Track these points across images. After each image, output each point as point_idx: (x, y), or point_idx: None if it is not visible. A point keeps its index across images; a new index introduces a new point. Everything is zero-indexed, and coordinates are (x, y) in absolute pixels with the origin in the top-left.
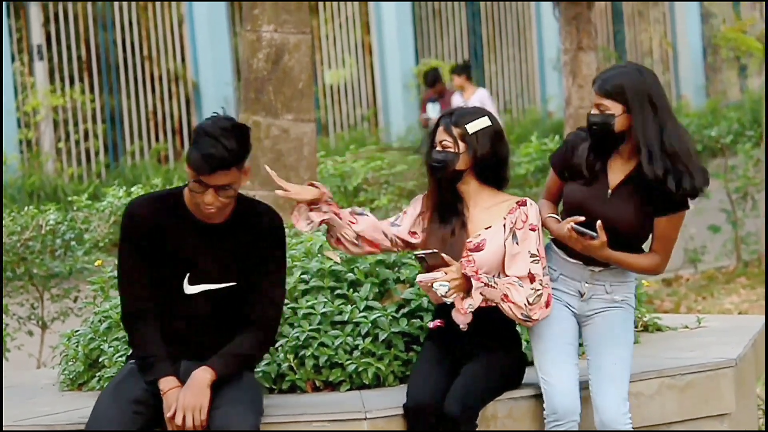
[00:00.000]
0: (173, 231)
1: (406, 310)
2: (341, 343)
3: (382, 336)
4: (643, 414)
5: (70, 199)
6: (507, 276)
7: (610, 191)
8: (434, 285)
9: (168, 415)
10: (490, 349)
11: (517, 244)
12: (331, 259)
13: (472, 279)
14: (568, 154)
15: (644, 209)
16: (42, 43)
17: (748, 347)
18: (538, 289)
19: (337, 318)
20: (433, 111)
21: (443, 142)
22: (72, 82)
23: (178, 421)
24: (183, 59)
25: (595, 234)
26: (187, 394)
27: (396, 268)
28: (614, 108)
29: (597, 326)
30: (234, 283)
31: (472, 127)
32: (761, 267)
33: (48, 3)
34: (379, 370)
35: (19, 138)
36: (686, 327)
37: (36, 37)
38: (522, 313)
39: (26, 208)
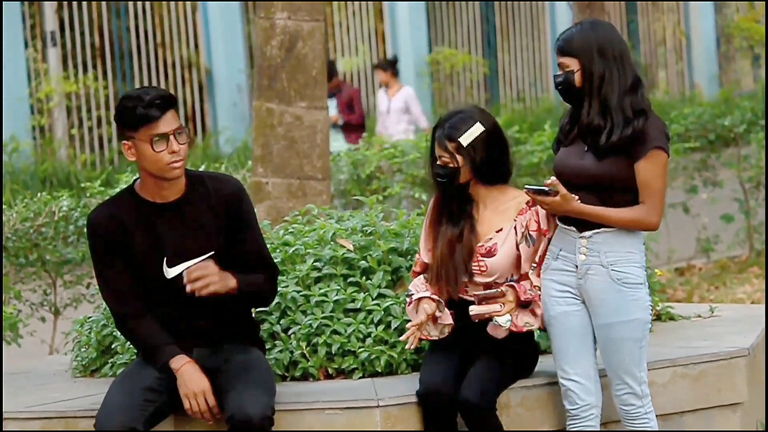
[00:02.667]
0: (137, 224)
1: None
2: (354, 330)
3: (395, 324)
4: (656, 403)
5: (83, 185)
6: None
7: (586, 146)
8: (496, 320)
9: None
10: (503, 340)
11: (534, 245)
12: (344, 247)
13: (531, 304)
14: (558, 132)
15: (617, 158)
16: (55, 30)
17: (761, 337)
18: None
19: (350, 306)
20: (330, 107)
21: (442, 158)
22: (85, 69)
23: (193, 408)
24: (196, 46)
25: (547, 189)
26: (186, 383)
27: (409, 256)
28: (572, 64)
29: (599, 319)
30: (212, 252)
31: (466, 139)
32: None
33: None
34: (392, 357)
35: (32, 124)
36: (699, 316)
37: (49, 24)
38: None
39: (39, 195)
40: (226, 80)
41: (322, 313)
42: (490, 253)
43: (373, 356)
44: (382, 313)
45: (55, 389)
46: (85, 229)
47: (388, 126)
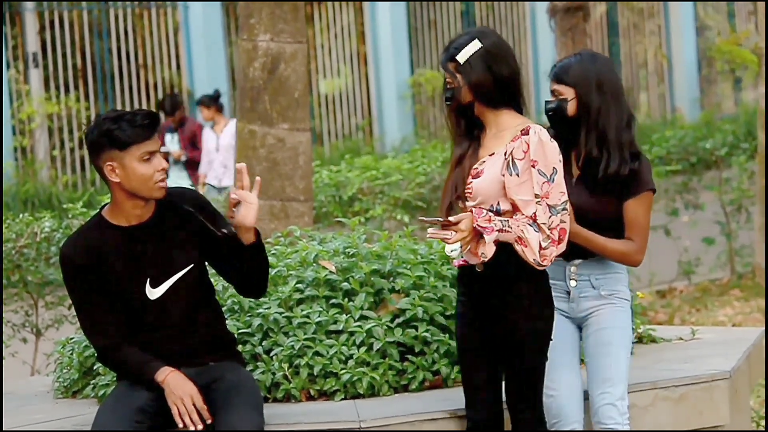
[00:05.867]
0: (113, 252)
1: (401, 319)
2: (336, 352)
3: (377, 345)
4: (637, 426)
5: (65, 206)
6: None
7: (573, 180)
8: (446, 248)
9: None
10: (516, 303)
11: (518, 175)
12: (327, 269)
13: (483, 233)
14: None
15: (608, 194)
16: (37, 51)
17: (742, 359)
18: (549, 236)
19: (332, 327)
20: (172, 143)
21: (447, 80)
22: (67, 90)
23: (181, 411)
24: (178, 68)
25: None
26: (172, 390)
27: (391, 278)
28: (567, 92)
29: (590, 328)
30: (192, 265)
31: (462, 56)
32: (755, 279)
33: (44, 11)
34: (374, 379)
35: (14, 145)
36: (680, 339)
37: (31, 45)
38: (534, 259)
39: (21, 216)
40: None
41: (305, 334)
42: (477, 176)
43: (355, 378)
44: (365, 334)
45: (37, 410)
46: (59, 263)
47: (216, 165)
